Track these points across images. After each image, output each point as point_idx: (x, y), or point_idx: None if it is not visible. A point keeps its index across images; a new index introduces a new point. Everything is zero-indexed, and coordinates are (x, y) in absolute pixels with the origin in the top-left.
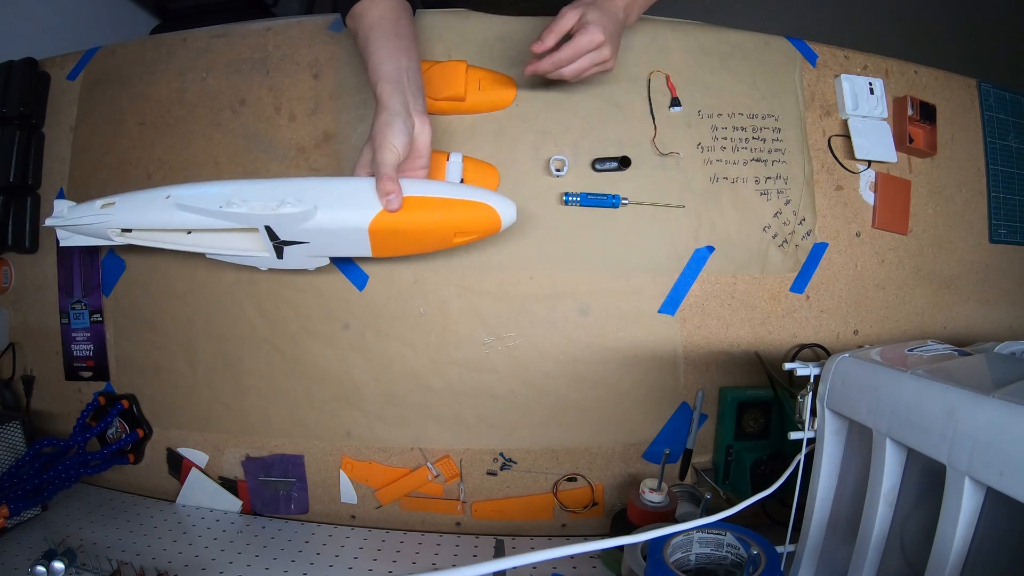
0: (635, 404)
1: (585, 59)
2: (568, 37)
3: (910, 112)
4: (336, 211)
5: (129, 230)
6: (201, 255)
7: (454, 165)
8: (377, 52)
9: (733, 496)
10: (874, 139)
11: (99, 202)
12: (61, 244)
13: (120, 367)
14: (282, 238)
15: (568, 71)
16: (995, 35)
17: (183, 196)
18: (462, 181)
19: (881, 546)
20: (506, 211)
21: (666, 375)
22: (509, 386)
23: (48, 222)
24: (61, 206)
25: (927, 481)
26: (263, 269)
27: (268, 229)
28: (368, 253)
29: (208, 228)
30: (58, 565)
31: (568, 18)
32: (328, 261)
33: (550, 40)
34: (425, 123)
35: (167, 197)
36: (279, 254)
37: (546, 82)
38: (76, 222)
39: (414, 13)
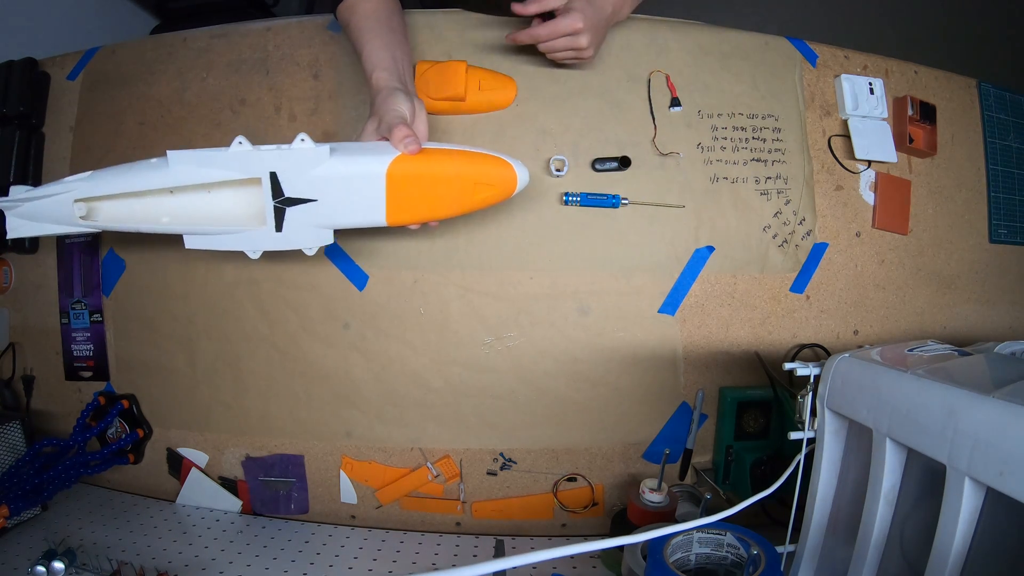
0: (635, 404)
1: (560, 41)
2: (552, 16)
3: (910, 112)
4: (352, 155)
5: (92, 212)
6: (201, 255)
7: None
8: (371, 42)
9: (733, 496)
10: (874, 139)
11: (71, 177)
12: (9, 235)
13: (120, 367)
14: (287, 193)
15: (543, 47)
16: (995, 35)
17: (178, 153)
18: None
19: (881, 546)
20: (521, 170)
21: (666, 375)
22: (509, 386)
23: (3, 203)
24: (18, 191)
25: (927, 481)
26: (254, 256)
27: (274, 178)
28: (382, 218)
29: (196, 184)
30: (58, 565)
31: None
32: (332, 239)
33: (532, 8)
34: (422, 109)
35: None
36: (279, 223)
37: (546, 82)
38: (33, 196)
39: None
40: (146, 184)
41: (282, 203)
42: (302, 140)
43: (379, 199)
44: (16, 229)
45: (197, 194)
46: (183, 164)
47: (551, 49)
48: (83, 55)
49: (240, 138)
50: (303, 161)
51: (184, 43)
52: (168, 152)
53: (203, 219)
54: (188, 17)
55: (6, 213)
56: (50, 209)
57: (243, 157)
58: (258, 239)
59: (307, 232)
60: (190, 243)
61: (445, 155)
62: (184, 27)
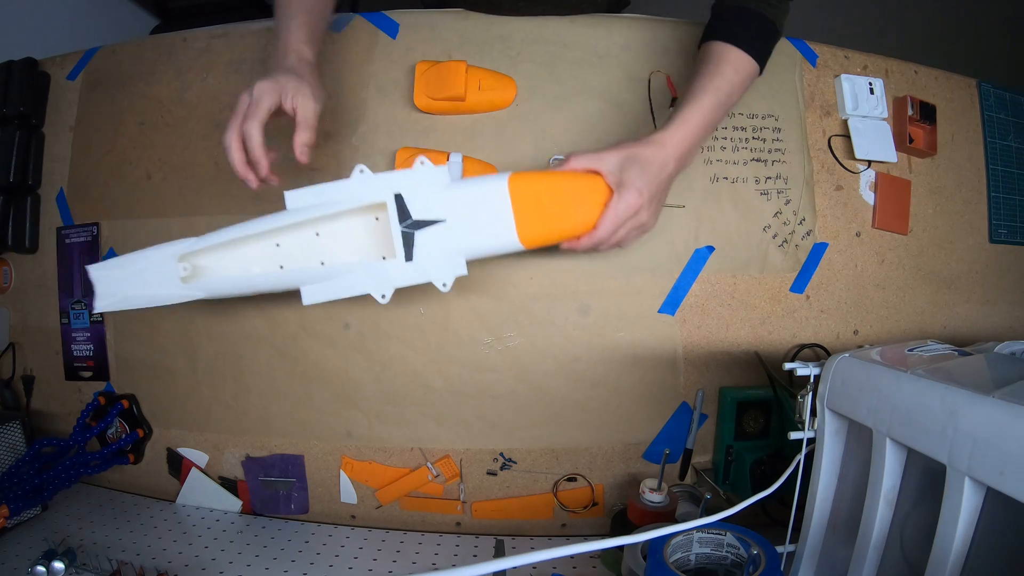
0: (635, 404)
1: (623, 231)
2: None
3: (910, 112)
4: (469, 179)
5: (196, 272)
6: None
7: (454, 165)
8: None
9: (733, 496)
10: (874, 139)
11: (171, 242)
12: (97, 308)
13: (120, 367)
14: (415, 215)
15: (606, 246)
16: (995, 35)
17: (296, 193)
18: None
19: (881, 546)
20: None
21: (666, 375)
22: (509, 386)
23: (93, 272)
24: (111, 263)
25: (927, 481)
26: (383, 301)
27: (399, 201)
28: (514, 236)
29: (316, 218)
30: (58, 565)
31: (604, 162)
32: (466, 270)
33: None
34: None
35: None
36: (409, 251)
37: (546, 82)
38: (128, 263)
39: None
40: (262, 227)
41: (410, 227)
42: (422, 163)
43: (507, 215)
44: (105, 301)
45: (310, 231)
46: (301, 201)
47: (617, 242)
48: (83, 55)
49: (361, 166)
50: (425, 183)
51: (184, 43)
52: (285, 193)
53: (327, 258)
54: (188, 17)
55: (95, 284)
56: (146, 275)
57: (366, 184)
58: (387, 275)
59: (439, 260)
60: (308, 298)
61: (553, 173)
62: (184, 27)
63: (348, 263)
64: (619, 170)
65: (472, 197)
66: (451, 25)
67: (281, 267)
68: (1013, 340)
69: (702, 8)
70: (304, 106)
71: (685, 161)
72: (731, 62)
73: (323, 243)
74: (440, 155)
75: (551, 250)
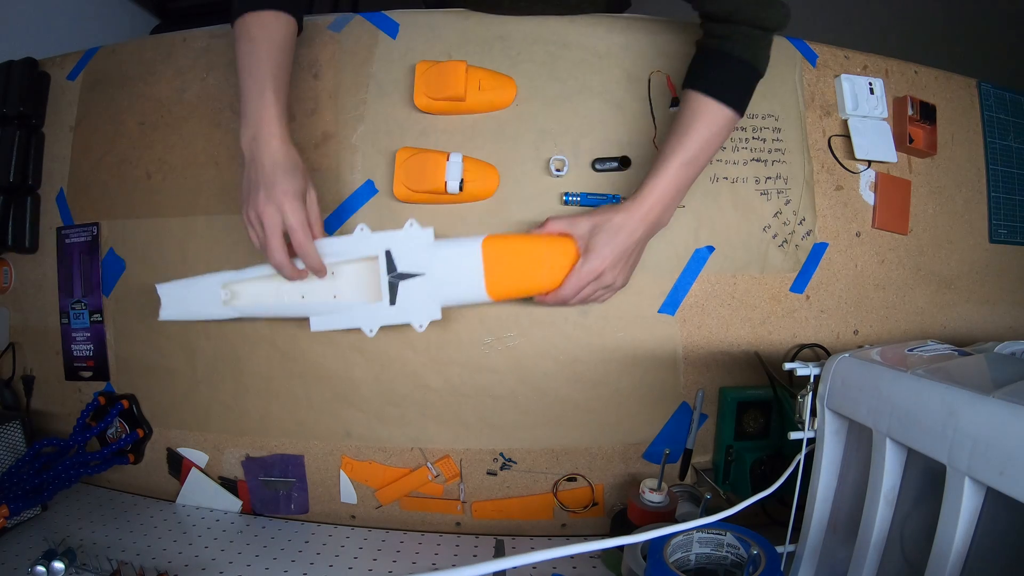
0: (635, 404)
1: (587, 289)
2: None
3: (910, 112)
4: (449, 240)
5: (234, 296)
6: (200, 256)
7: (454, 165)
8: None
9: (733, 496)
10: (874, 139)
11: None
12: (161, 317)
13: (120, 367)
14: (400, 268)
15: (572, 302)
16: (995, 35)
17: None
18: (462, 181)
19: (881, 546)
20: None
21: (666, 375)
22: (509, 386)
23: (160, 289)
24: (174, 283)
25: (927, 481)
26: (370, 335)
27: (388, 256)
28: (482, 290)
29: (333, 262)
30: (58, 565)
31: (576, 227)
32: (440, 315)
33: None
34: (311, 188)
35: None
36: (393, 296)
37: (546, 82)
38: (186, 284)
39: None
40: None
41: (396, 278)
42: (411, 225)
43: (477, 272)
44: (167, 312)
45: (328, 271)
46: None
47: (582, 300)
48: (83, 55)
49: (361, 225)
50: (411, 242)
51: (184, 43)
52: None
53: (334, 295)
54: (188, 17)
55: (161, 298)
56: (196, 295)
57: (364, 240)
58: (374, 314)
59: (418, 306)
60: (316, 326)
61: (531, 235)
62: (184, 27)
63: (352, 301)
64: (589, 235)
65: (449, 256)
66: (451, 25)
67: (303, 296)
68: (1013, 340)
69: None
70: (313, 206)
71: (657, 225)
72: (704, 117)
73: (337, 282)
74: (440, 155)
75: None
